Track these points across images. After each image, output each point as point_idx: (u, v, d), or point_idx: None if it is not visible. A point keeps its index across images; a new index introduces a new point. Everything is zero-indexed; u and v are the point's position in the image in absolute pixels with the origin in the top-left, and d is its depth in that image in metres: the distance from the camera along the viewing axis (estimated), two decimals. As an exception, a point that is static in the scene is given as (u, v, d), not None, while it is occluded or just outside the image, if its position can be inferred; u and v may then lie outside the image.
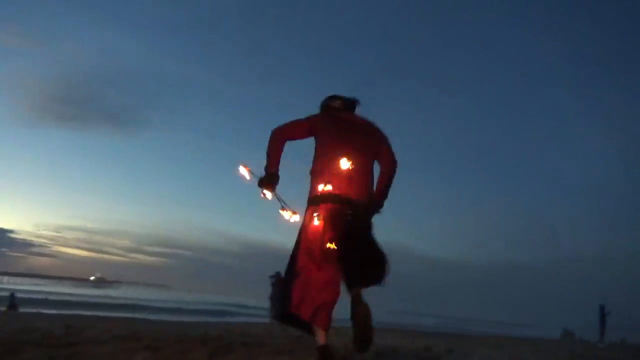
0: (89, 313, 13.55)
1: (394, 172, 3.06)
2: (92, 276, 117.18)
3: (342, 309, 2.94)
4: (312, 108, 3.30)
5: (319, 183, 2.89)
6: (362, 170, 2.95)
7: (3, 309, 14.75)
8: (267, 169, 2.98)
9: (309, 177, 3.01)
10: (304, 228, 2.94)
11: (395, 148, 3.12)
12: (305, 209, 2.98)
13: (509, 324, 77.40)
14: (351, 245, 2.82)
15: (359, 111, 3.20)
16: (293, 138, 3.06)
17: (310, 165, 3.03)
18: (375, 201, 2.98)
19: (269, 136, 3.04)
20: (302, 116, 3.10)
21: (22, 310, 14.80)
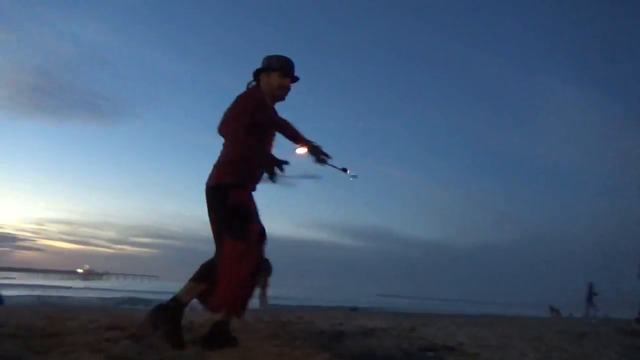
0: (74, 305, 13.35)
1: None
2: (79, 268, 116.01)
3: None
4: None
5: None
6: None
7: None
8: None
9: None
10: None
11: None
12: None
13: (498, 304, 78.47)
14: None
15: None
16: None
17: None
18: None
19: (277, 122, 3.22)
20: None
21: (8, 304, 14.58)
